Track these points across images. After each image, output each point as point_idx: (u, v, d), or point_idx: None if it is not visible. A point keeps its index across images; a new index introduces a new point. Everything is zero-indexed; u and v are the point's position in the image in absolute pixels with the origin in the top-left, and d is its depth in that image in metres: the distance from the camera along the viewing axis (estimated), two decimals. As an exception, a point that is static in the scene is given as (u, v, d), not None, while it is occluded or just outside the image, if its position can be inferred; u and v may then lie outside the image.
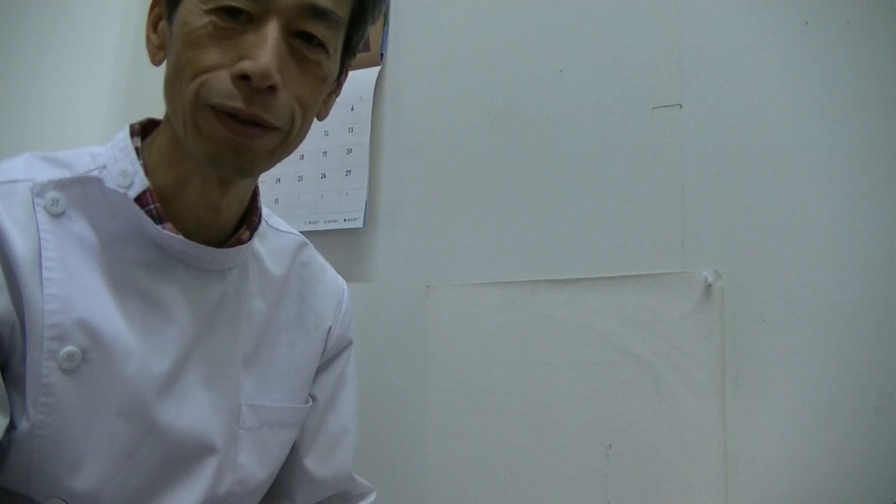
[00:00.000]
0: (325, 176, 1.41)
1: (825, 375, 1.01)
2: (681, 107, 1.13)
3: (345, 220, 1.38)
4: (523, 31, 1.28)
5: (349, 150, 1.39)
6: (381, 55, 1.40)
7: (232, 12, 0.72)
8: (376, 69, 1.40)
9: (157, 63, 0.80)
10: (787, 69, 1.07)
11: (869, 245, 1.00)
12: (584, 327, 1.16)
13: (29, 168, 0.77)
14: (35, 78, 1.57)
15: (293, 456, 0.95)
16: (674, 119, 1.14)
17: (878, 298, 0.99)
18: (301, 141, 0.81)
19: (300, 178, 1.43)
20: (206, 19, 0.72)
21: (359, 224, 1.37)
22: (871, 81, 1.02)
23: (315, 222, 1.40)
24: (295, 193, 1.44)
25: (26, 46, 1.57)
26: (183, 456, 0.79)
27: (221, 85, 0.72)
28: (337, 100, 0.89)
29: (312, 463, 0.96)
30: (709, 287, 1.08)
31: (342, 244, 1.38)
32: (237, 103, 0.71)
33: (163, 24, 0.79)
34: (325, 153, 1.41)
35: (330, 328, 0.98)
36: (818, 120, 1.04)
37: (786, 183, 1.06)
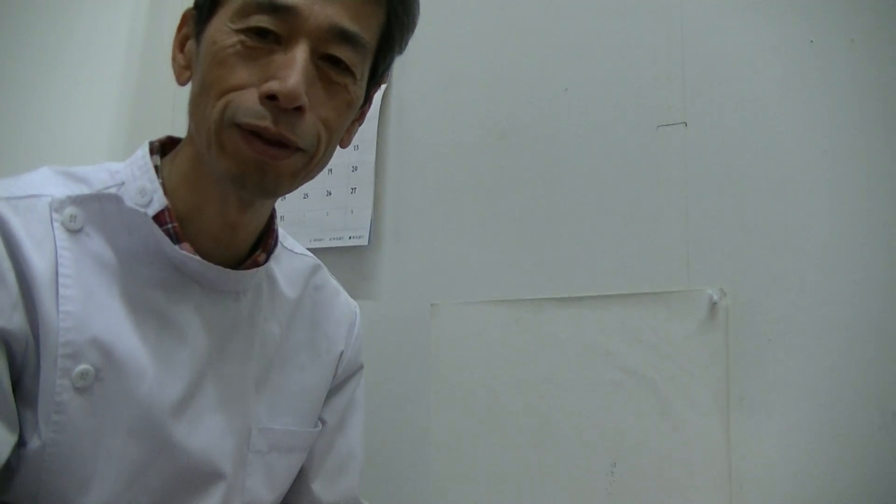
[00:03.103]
0: (330, 193, 1.42)
1: (830, 394, 1.01)
2: (686, 125, 1.14)
3: (350, 238, 1.38)
4: (528, 49, 1.28)
5: (354, 168, 1.40)
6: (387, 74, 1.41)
7: (261, 33, 0.72)
8: (382, 88, 1.40)
9: (182, 83, 0.80)
10: (792, 87, 1.08)
11: (874, 264, 1.01)
12: (588, 346, 1.16)
13: (48, 183, 0.77)
14: (40, 91, 1.57)
15: (300, 479, 0.94)
16: (679, 137, 1.14)
17: (884, 317, 0.99)
18: (325, 165, 0.80)
19: (305, 196, 1.44)
20: (234, 38, 0.72)
21: (364, 242, 1.37)
22: (875, 100, 1.03)
23: (320, 240, 1.40)
24: (300, 211, 1.44)
25: (31, 60, 1.57)
26: (192, 478, 0.78)
27: (249, 104, 0.72)
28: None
29: (320, 487, 0.95)
30: (714, 305, 1.08)
31: (347, 262, 1.38)
32: (265, 122, 0.72)
33: (190, 43, 0.79)
34: (331, 171, 1.41)
35: (342, 353, 0.97)
36: (823, 138, 1.05)
37: (791, 201, 1.06)
